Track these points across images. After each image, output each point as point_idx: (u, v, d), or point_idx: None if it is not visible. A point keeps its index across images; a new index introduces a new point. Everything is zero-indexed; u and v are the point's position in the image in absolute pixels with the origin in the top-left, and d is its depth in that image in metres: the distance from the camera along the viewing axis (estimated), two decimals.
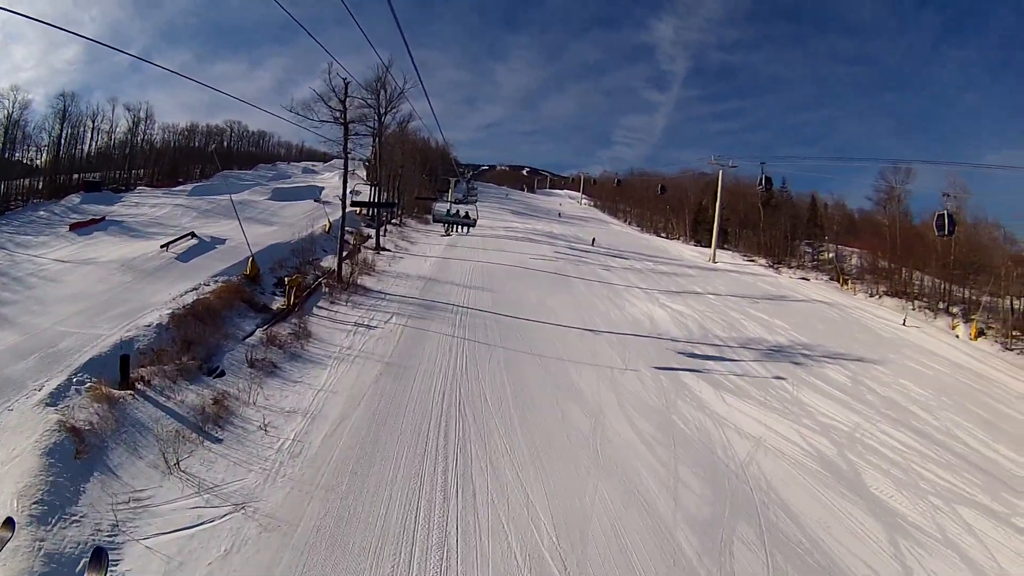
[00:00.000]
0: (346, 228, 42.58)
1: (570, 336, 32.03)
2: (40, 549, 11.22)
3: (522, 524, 14.59)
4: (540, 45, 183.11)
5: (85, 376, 18.53)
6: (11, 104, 68.17)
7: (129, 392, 18.05)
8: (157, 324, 23.61)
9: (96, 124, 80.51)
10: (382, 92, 54.34)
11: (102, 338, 22.43)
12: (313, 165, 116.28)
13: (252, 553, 12.67)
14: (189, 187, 72.95)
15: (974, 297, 49.10)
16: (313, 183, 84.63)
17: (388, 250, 52.31)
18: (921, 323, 44.93)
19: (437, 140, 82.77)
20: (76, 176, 72.71)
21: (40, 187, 67.56)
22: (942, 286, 51.82)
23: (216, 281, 30.46)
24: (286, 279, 32.55)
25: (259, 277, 33.19)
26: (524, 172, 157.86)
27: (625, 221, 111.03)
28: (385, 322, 30.74)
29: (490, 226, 68.93)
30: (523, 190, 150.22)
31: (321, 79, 41.02)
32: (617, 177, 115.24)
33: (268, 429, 18.20)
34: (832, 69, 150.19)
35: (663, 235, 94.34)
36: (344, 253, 39.97)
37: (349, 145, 41.87)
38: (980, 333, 41.46)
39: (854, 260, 65.25)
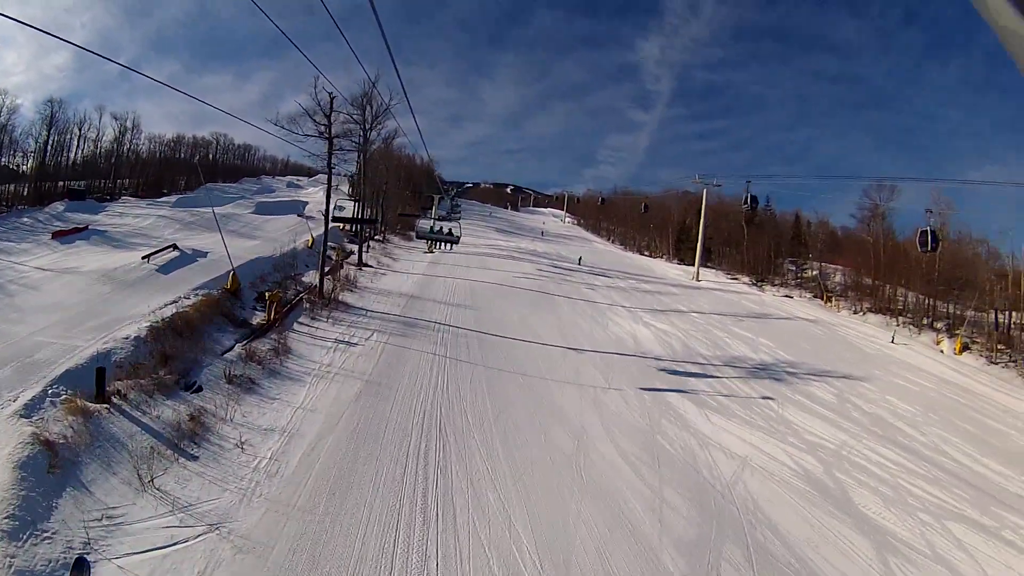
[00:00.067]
0: (329, 244, 42.25)
1: (553, 355, 31.72)
2: (11, 566, 10.92)
3: (504, 548, 14.22)
4: (526, 64, 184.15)
5: (61, 388, 17.99)
6: None
7: (105, 406, 17.59)
8: (135, 337, 23.07)
9: (83, 132, 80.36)
10: (368, 108, 54.47)
11: (79, 349, 21.85)
12: (298, 180, 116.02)
13: None
14: (173, 198, 72.73)
15: (958, 312, 49.42)
16: (297, 198, 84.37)
17: (371, 266, 51.91)
18: (907, 339, 45.09)
19: (422, 157, 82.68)
20: (61, 183, 72.18)
21: (25, 193, 67.09)
22: (926, 302, 52.09)
23: (196, 294, 29.83)
24: (267, 294, 32.04)
25: (240, 291, 32.70)
26: (508, 190, 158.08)
27: (608, 239, 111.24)
28: (366, 339, 30.33)
29: (473, 244, 68.75)
30: (507, 208, 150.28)
31: (307, 93, 40.76)
32: (601, 196, 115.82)
33: (245, 447, 17.78)
34: (815, 88, 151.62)
35: (646, 254, 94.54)
36: (326, 269, 39.49)
37: (333, 160, 41.54)
38: (965, 348, 41.76)
39: (838, 277, 65.73)
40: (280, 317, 30.42)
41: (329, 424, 20.12)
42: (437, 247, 52.23)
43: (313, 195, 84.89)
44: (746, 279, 71.26)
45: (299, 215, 66.84)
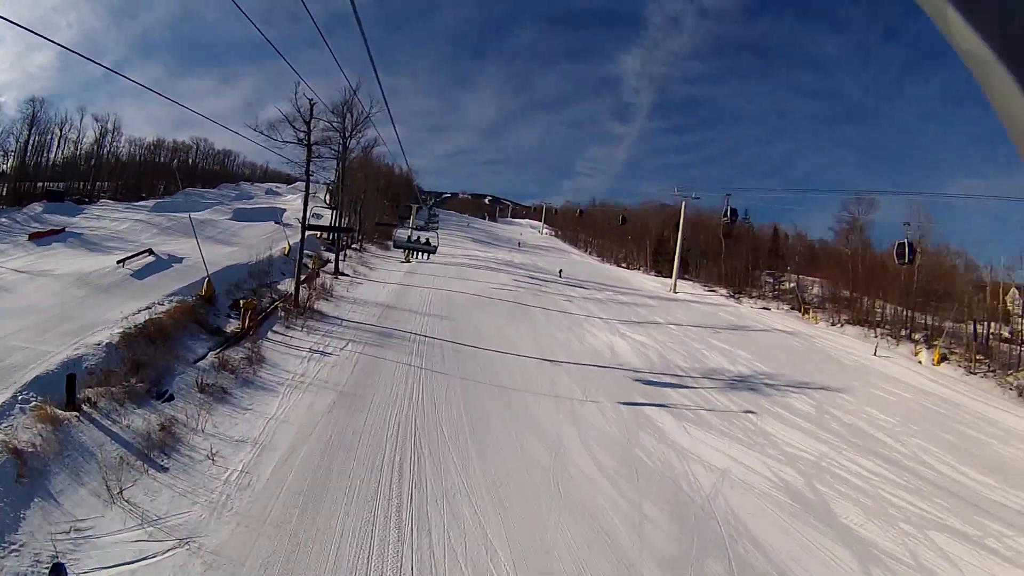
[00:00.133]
0: (306, 252, 41.84)
1: (529, 366, 31.40)
2: None
3: (480, 564, 13.93)
4: (507, 75, 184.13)
5: (31, 394, 17.46)
6: None
7: (75, 414, 17.14)
8: (107, 343, 22.48)
9: (64, 132, 79.63)
10: (348, 116, 54.69)
11: (50, 355, 21.16)
12: (276, 187, 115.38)
13: None
14: (151, 203, 71.53)
15: (936, 324, 49.72)
16: (275, 205, 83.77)
17: (347, 275, 51.50)
18: (889, 352, 45.19)
19: (400, 166, 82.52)
20: (40, 184, 71.28)
21: (4, 193, 66.42)
22: (904, 313, 52.40)
23: (170, 301, 29.27)
24: (241, 302, 31.57)
25: (214, 298, 32.23)
26: (486, 200, 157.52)
27: (586, 251, 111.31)
28: (341, 349, 29.86)
29: (451, 254, 68.54)
30: (485, 218, 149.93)
31: (288, 100, 40.65)
32: (580, 208, 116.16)
33: (216, 459, 17.32)
34: (794, 102, 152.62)
35: (624, 265, 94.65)
36: (302, 277, 39.07)
37: (312, 167, 41.38)
38: (943, 358, 42.06)
39: (815, 290, 66.10)
40: (254, 325, 29.98)
41: (302, 436, 19.66)
42: (414, 257, 51.84)
43: (291, 202, 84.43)
44: (723, 291, 71.53)
45: (277, 222, 66.10)
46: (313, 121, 40.63)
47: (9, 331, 24.24)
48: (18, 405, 16.78)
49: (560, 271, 71.92)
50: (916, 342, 47.69)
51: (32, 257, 41.03)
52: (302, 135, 40.64)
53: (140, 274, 36.57)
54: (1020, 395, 37.17)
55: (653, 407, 26.92)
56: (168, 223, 55.37)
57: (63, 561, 11.80)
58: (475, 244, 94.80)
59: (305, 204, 40.98)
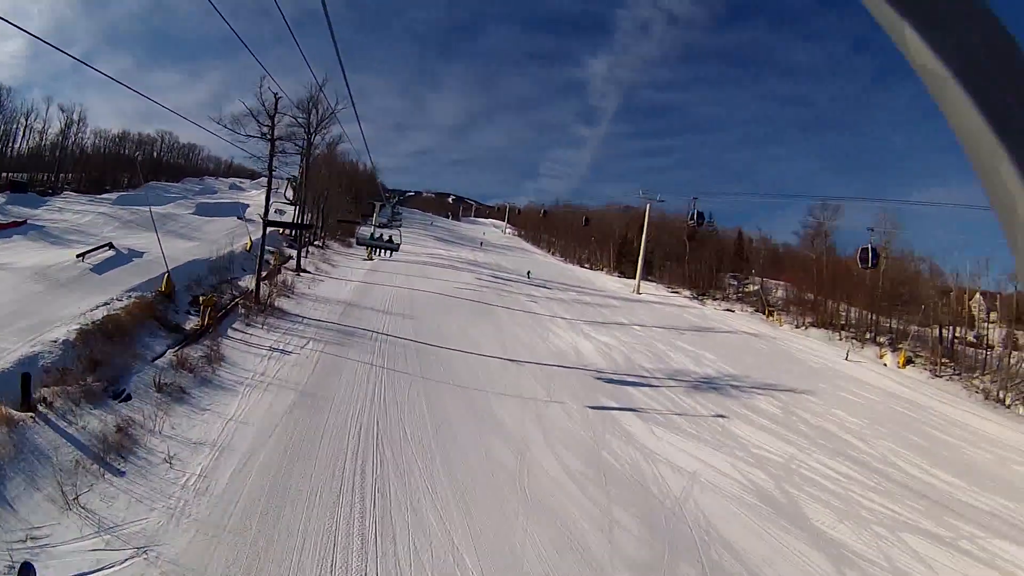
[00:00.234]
0: (268, 248, 40.95)
1: (493, 366, 30.98)
2: None
3: (448, 572, 13.51)
4: (474, 76, 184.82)
5: None
6: None
7: (30, 415, 16.53)
8: (64, 340, 21.69)
9: (29, 122, 78.17)
10: (314, 111, 54.30)
11: (6, 352, 20.29)
12: (240, 182, 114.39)
13: None
14: (114, 195, 70.79)
15: (901, 327, 50.30)
16: (239, 200, 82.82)
17: (309, 272, 50.86)
18: (861, 357, 45.38)
19: (365, 164, 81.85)
20: (4, 175, 69.80)
21: None
22: (869, 316, 52.95)
23: (129, 296, 28.45)
24: (201, 298, 30.76)
25: (174, 294, 31.41)
26: (450, 200, 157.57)
27: (549, 251, 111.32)
28: (301, 347, 29.18)
29: (414, 252, 68.11)
30: (448, 217, 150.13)
31: (253, 94, 39.80)
32: (544, 208, 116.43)
33: (173, 462, 16.68)
34: (763, 109, 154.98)
35: (587, 266, 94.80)
36: (264, 273, 38.35)
37: (276, 163, 40.74)
38: (908, 361, 42.46)
39: (780, 293, 66.46)
40: (214, 322, 29.29)
41: (261, 438, 19.04)
42: (377, 254, 51.12)
43: (255, 198, 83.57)
44: (687, 293, 71.86)
45: (239, 217, 65.12)
46: (278, 116, 40.28)
47: None
48: None
49: (528, 272, 71.52)
50: (881, 345, 48.28)
51: None
52: (266, 129, 40.08)
53: (99, 269, 35.46)
54: (986, 398, 37.70)
55: (619, 408, 26.67)
56: (131, 216, 54.21)
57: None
58: (438, 243, 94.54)
59: (267, 200, 40.33)
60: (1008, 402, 37.54)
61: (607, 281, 78.13)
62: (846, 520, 18.53)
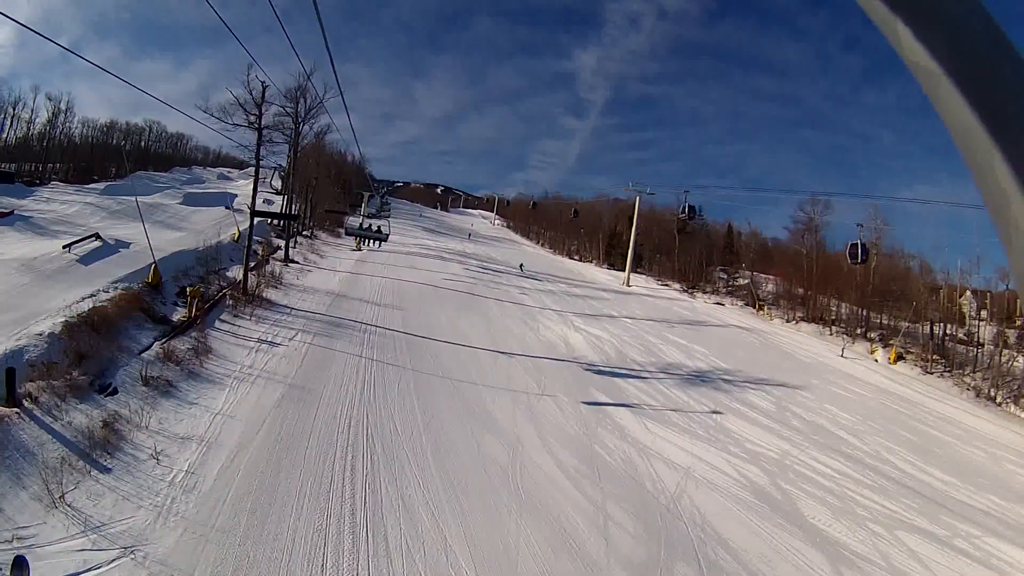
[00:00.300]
0: (256, 238, 40.50)
1: (483, 359, 30.72)
2: None
3: (441, 572, 13.25)
4: (462, 68, 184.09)
5: None
6: None
7: (15, 410, 16.16)
8: (49, 333, 21.25)
9: (16, 112, 77.07)
10: (302, 101, 54.15)
11: None
12: (229, 171, 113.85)
13: None
14: (102, 185, 70.09)
15: (891, 323, 50.39)
16: (227, 190, 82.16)
17: (297, 262, 50.51)
18: (855, 353, 45.26)
19: (353, 154, 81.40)
20: None
21: None
22: (860, 312, 53.01)
23: (115, 288, 28.13)
24: (188, 289, 30.47)
25: (161, 285, 31.08)
26: (438, 190, 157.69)
27: (538, 243, 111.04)
28: (290, 339, 28.82)
29: (402, 242, 67.84)
30: (437, 208, 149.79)
31: (241, 83, 39.40)
32: (533, 200, 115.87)
33: (160, 458, 16.35)
34: (752, 105, 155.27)
35: (576, 258, 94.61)
36: (251, 264, 37.89)
37: (263, 152, 40.54)
38: (899, 357, 42.47)
39: (770, 287, 66.52)
40: (201, 314, 28.88)
41: (249, 433, 18.71)
42: (365, 245, 50.78)
43: (243, 188, 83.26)
44: (677, 286, 71.69)
45: (227, 207, 64.34)
46: (265, 105, 39.99)
47: None
48: None
49: (521, 265, 71.06)
50: (872, 341, 48.34)
51: None
52: (253, 118, 39.65)
53: (86, 260, 34.95)
54: (978, 396, 37.71)
55: (611, 402, 26.50)
56: (118, 206, 53.57)
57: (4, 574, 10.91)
58: (427, 233, 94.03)
59: (254, 189, 39.96)
60: (999, 400, 37.58)
61: (597, 273, 77.98)
62: (842, 517, 18.39)
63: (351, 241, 59.51)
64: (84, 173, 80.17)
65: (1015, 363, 41.40)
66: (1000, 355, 42.42)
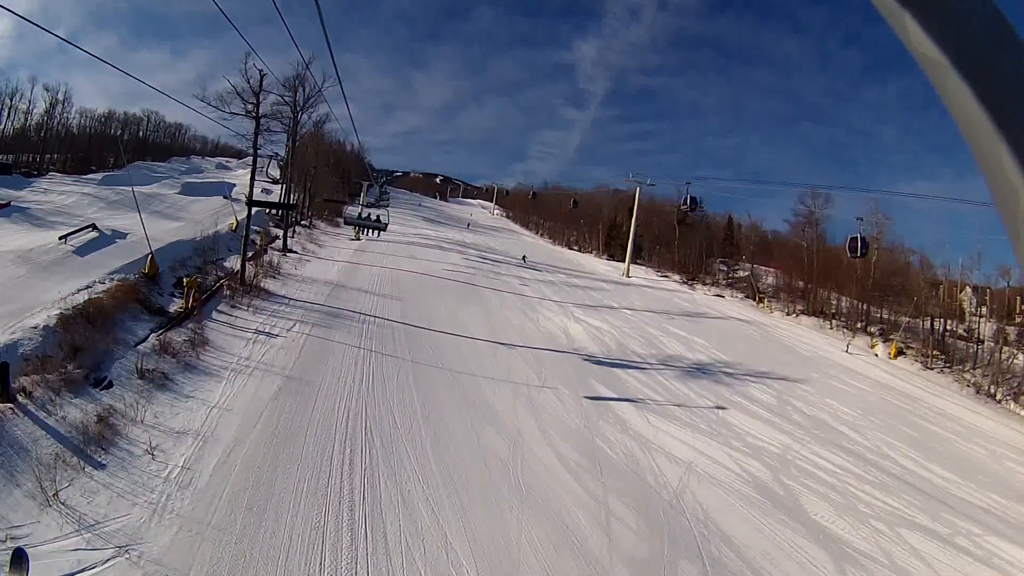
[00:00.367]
0: (254, 228, 40.26)
1: (483, 350, 30.56)
2: None
3: (442, 571, 13.04)
4: (463, 58, 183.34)
5: None
6: None
7: (9, 405, 15.90)
8: (44, 326, 20.93)
9: (14, 103, 76.59)
10: (300, 90, 53.88)
11: None
12: (227, 161, 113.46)
13: None
14: (100, 176, 69.26)
15: (891, 318, 50.31)
16: (225, 179, 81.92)
17: (295, 252, 50.24)
18: (853, 347, 45.17)
19: (352, 143, 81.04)
20: None
21: None
22: (860, 306, 52.89)
23: (112, 279, 27.82)
24: (185, 280, 30.21)
25: (158, 276, 30.75)
26: (437, 180, 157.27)
27: (537, 233, 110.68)
28: (288, 330, 28.59)
29: (401, 232, 67.58)
30: (436, 197, 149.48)
31: (239, 72, 39.20)
32: (533, 190, 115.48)
33: (155, 453, 16.09)
34: (751, 98, 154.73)
35: (575, 248, 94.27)
36: (249, 254, 37.72)
37: (261, 141, 40.40)
38: (899, 352, 42.38)
39: (770, 279, 66.26)
40: (198, 305, 28.61)
41: (246, 426, 18.46)
42: (364, 234, 50.55)
43: (241, 177, 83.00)
44: (677, 277, 71.47)
45: (225, 197, 64.14)
46: (264, 94, 39.88)
47: None
48: None
49: (524, 256, 70.60)
50: (872, 335, 48.25)
51: None
52: (250, 107, 39.48)
53: (82, 251, 34.71)
54: (977, 392, 37.66)
55: (612, 394, 26.37)
56: (116, 197, 53.38)
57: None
58: (426, 223, 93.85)
59: (252, 178, 39.60)
60: (999, 397, 37.57)
61: (596, 264, 77.83)
62: (844, 514, 18.30)
63: (350, 230, 59.25)
64: (82, 164, 79.69)
65: (1015, 360, 41.33)
66: (1000, 352, 42.36)
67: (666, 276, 72.44)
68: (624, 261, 71.99)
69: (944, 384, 38.78)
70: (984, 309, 51.89)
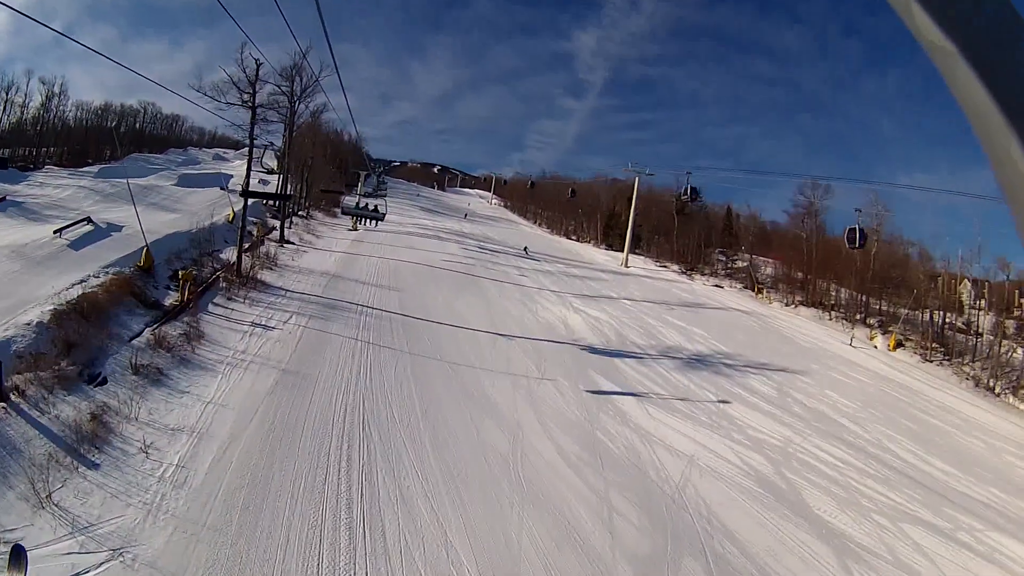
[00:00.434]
0: (250, 219, 39.97)
1: (481, 341, 30.38)
2: None
3: (442, 570, 12.88)
4: (461, 46, 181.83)
5: None
6: None
7: (2, 405, 15.72)
8: (38, 323, 20.69)
9: (9, 97, 75.58)
10: (297, 79, 53.56)
11: None
12: (224, 152, 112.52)
13: None
14: (96, 168, 68.66)
15: (890, 309, 50.23)
16: (222, 170, 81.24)
17: (292, 243, 49.85)
18: (863, 343, 45.00)
19: (350, 133, 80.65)
20: None
21: None
22: (859, 298, 52.79)
23: (106, 272, 27.53)
24: (180, 272, 29.84)
25: (153, 269, 30.55)
26: (435, 170, 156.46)
27: (536, 223, 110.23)
28: (284, 322, 28.34)
29: (399, 222, 67.21)
30: (434, 187, 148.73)
31: (235, 61, 38.92)
32: (531, 179, 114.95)
33: (150, 452, 15.85)
34: (751, 88, 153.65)
35: (574, 238, 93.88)
36: (246, 245, 37.43)
37: (258, 131, 40.13)
38: (899, 344, 42.29)
39: (768, 270, 66.10)
40: (194, 298, 28.38)
41: (242, 422, 18.25)
42: (362, 223, 50.28)
43: (238, 168, 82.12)
44: (675, 267, 71.20)
45: (222, 188, 63.90)
46: (260, 84, 39.60)
47: None
48: None
49: (526, 248, 70.07)
50: (871, 327, 48.16)
51: None
52: (246, 97, 39.22)
53: (77, 244, 34.37)
54: (976, 385, 37.64)
55: (612, 387, 26.25)
56: (112, 189, 52.85)
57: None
58: (424, 213, 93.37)
59: (248, 169, 39.43)
60: (998, 390, 37.52)
61: (595, 254, 77.49)
62: (847, 509, 18.23)
63: (347, 221, 58.90)
64: (78, 156, 78.98)
65: (1014, 354, 41.26)
66: (999, 345, 42.29)
67: (665, 266, 72.19)
68: (623, 251, 71.63)
69: (943, 377, 38.71)
70: (982, 302, 51.84)
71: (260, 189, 55.57)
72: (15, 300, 22.83)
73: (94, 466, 14.79)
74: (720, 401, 26.14)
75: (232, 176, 71.72)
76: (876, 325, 48.46)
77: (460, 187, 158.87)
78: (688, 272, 69.34)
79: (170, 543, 12.49)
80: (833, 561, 15.42)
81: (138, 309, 25.65)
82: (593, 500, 16.58)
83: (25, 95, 77.78)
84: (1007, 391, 37.16)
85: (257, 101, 39.72)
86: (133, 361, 20.29)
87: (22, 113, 78.39)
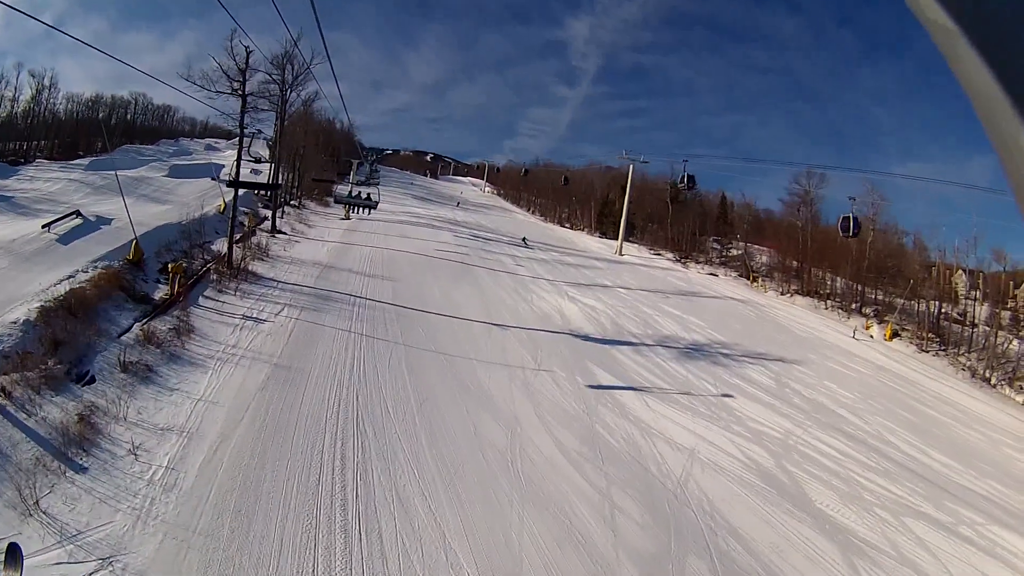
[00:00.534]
0: (242, 209, 39.53)
1: (477, 331, 30.14)
2: None
3: (441, 574, 12.63)
4: (452, 34, 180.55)
5: None
6: None
7: None
8: (24, 321, 20.25)
9: (0, 91, 74.39)
10: (289, 67, 53.51)
11: None
12: (216, 142, 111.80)
13: None
14: (86, 161, 67.97)
15: (886, 299, 50.20)
16: (213, 160, 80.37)
17: (284, 233, 49.54)
18: (848, 328, 44.81)
19: (342, 121, 79.77)
20: None
21: None
22: (855, 287, 52.68)
23: (95, 267, 27.12)
24: (170, 265, 29.42)
25: (143, 262, 30.07)
26: (428, 158, 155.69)
27: (529, 211, 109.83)
28: (276, 315, 27.99)
29: (392, 211, 66.71)
30: (427, 175, 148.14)
31: (224, 50, 38.41)
32: (524, 167, 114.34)
33: (138, 453, 15.50)
34: (745, 77, 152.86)
35: (567, 226, 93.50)
36: (237, 236, 37.02)
37: (248, 120, 39.84)
38: (895, 334, 42.28)
39: (763, 258, 65.89)
40: (184, 291, 27.98)
41: (232, 421, 17.91)
42: (355, 212, 49.89)
43: (230, 158, 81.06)
44: (670, 255, 70.88)
45: (213, 178, 63.09)
46: (250, 72, 39.20)
47: None
48: None
49: (524, 239, 69.56)
50: (867, 316, 47.99)
51: None
52: (237, 85, 38.76)
53: (66, 239, 33.83)
54: (972, 376, 37.55)
55: (610, 378, 26.06)
56: (102, 182, 52.24)
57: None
58: (417, 201, 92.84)
59: (238, 159, 38.97)
60: (994, 381, 37.44)
61: (589, 242, 77.19)
62: (849, 503, 18.15)
63: (340, 210, 58.51)
64: (69, 149, 78.38)
65: (1010, 345, 41.15)
66: (995, 336, 42.19)
67: (659, 254, 71.88)
68: (616, 239, 71.40)
69: (939, 367, 38.66)
70: (977, 293, 51.75)
71: (251, 179, 55.03)
72: (3, 298, 22.32)
73: (82, 470, 14.45)
74: (719, 392, 25.99)
75: (224, 166, 70.95)
76: (872, 315, 48.28)
77: (453, 175, 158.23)
78: (683, 260, 69.05)
79: (160, 550, 12.18)
80: (837, 556, 15.29)
81: (127, 304, 25.24)
82: (594, 497, 16.36)
83: (15, 89, 77.06)
84: (1003, 382, 37.06)
85: (247, 89, 39.35)
86: (121, 358, 19.90)
87: (12, 107, 77.68)
